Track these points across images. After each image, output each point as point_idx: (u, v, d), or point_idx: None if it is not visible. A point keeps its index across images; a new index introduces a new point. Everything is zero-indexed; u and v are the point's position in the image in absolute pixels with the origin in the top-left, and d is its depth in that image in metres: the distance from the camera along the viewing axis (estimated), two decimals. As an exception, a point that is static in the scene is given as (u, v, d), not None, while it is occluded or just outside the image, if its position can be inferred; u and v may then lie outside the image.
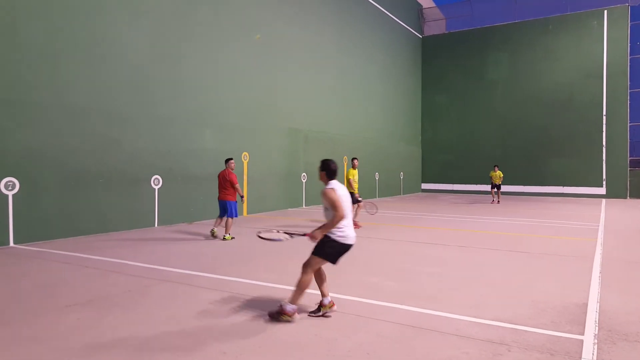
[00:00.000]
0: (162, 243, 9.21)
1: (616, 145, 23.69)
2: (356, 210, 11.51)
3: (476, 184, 26.49)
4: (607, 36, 24.03)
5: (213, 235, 9.76)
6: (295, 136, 16.92)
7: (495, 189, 20.85)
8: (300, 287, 4.47)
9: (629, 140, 23.74)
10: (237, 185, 9.59)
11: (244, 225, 11.86)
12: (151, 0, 11.55)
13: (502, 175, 20.89)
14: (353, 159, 12.13)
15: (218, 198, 9.74)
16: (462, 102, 27.68)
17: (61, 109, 9.54)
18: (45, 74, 9.32)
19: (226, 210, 9.52)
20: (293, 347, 3.85)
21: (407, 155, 26.86)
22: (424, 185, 28.82)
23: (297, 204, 16.98)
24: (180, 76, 12.34)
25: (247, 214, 14.46)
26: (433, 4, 31.01)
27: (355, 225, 11.33)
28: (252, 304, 5.05)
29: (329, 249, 4.50)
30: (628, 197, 23.59)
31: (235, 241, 9.40)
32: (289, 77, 16.61)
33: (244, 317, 4.62)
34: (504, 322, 4.47)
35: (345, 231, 4.50)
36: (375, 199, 22.49)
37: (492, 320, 4.52)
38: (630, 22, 23.75)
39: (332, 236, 4.49)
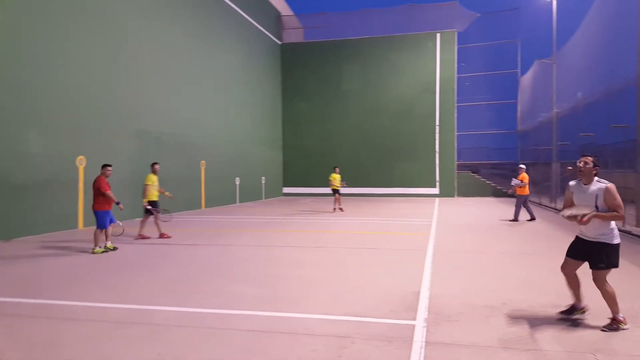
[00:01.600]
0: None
1: (446, 151, 27.26)
2: (155, 221, 10.69)
3: (349, 186, 28.06)
4: (439, 56, 27.51)
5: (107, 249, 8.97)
6: (145, 138, 15.70)
7: (337, 194, 17.70)
8: (612, 298, 4.39)
9: (456, 147, 27.51)
10: (109, 192, 8.87)
11: (76, 240, 10.79)
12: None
13: (340, 178, 18.01)
14: (153, 164, 10.97)
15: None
16: (321, 109, 29.06)
17: None
18: None
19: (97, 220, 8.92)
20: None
21: (268, 160, 27.23)
22: (286, 189, 29.52)
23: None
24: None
25: (84, 226, 12.87)
26: (291, 12, 32.02)
27: (163, 235, 10.60)
28: (81, 329, 4.54)
29: (617, 257, 4.43)
30: (456, 196, 27.29)
31: (66, 259, 8.37)
32: (138, 74, 15.46)
33: (73, 346, 4.13)
34: (351, 315, 4.83)
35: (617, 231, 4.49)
36: (236, 204, 22.36)
37: (341, 315, 4.86)
38: (458, 45, 27.56)
39: (616, 241, 4.42)
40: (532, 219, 14.10)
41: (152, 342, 4.18)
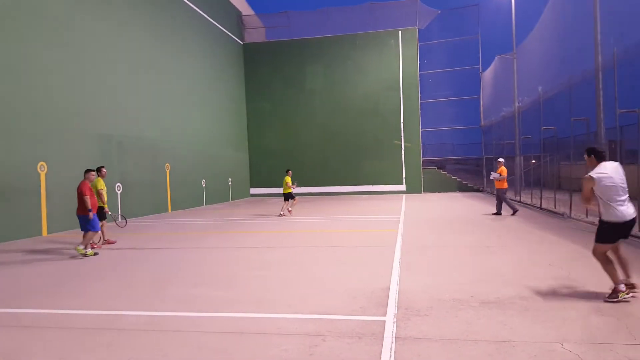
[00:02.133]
0: None
1: (412, 147, 27.58)
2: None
3: (300, 186, 27.89)
4: (402, 54, 27.82)
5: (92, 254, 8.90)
6: (107, 143, 15.29)
7: (290, 199, 16.44)
8: (608, 271, 4.94)
9: (421, 144, 27.88)
10: (86, 197, 8.71)
11: (40, 247, 10.33)
12: None
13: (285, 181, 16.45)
14: (101, 167, 10.22)
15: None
16: (285, 109, 28.89)
17: None
18: None
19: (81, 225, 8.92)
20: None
21: (234, 161, 26.86)
22: (253, 190, 29.21)
23: (111, 217, 15.42)
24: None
25: (48, 233, 12.51)
26: (252, 12, 31.64)
27: (109, 242, 10.22)
28: (47, 337, 4.40)
29: (604, 232, 4.96)
30: (423, 192, 27.69)
31: (25, 266, 8.07)
32: (98, 77, 15.01)
33: (38, 355, 3.99)
34: (321, 314, 4.77)
35: (617, 212, 4.85)
36: (203, 206, 21.93)
37: (311, 314, 4.79)
38: (419, 42, 27.94)
39: (605, 219, 4.94)
40: (498, 213, 14.25)
41: (121, 347, 4.07)
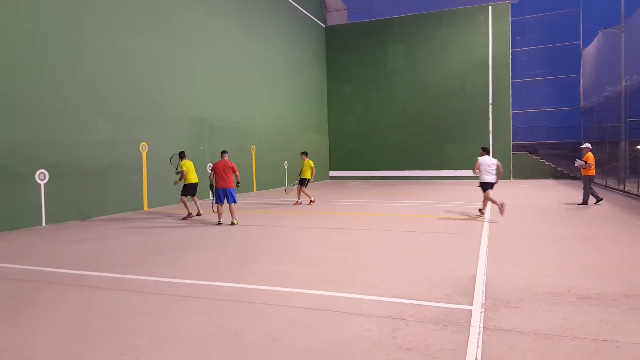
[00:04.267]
0: (50, 243, 8.43)
1: (501, 130, 26.07)
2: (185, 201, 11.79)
3: (380, 170, 27.71)
4: (492, 30, 26.18)
5: (220, 223, 10.23)
6: (199, 125, 16.35)
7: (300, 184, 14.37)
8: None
9: (511, 126, 26.25)
10: (238, 173, 10.50)
11: (142, 219, 11.26)
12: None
13: (312, 165, 14.42)
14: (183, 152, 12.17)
15: (217, 187, 10.35)
16: (365, 92, 28.58)
17: None
18: None
19: (227, 197, 10.28)
20: (197, 342, 3.74)
21: (315, 144, 27.22)
22: (332, 173, 29.47)
23: (204, 196, 16.45)
24: (69, 61, 11.33)
25: (148, 207, 13.74)
26: (335, -6, 31.47)
27: (191, 216, 11.60)
28: (149, 301, 4.83)
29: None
30: (512, 178, 26.18)
31: (130, 237, 8.90)
32: (191, 64, 15.94)
33: (141, 316, 4.39)
34: (403, 298, 4.73)
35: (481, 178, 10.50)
36: (284, 187, 22.57)
37: (393, 297, 4.77)
38: (511, 18, 26.08)
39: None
40: (597, 200, 13.16)
41: (214, 315, 4.37)
